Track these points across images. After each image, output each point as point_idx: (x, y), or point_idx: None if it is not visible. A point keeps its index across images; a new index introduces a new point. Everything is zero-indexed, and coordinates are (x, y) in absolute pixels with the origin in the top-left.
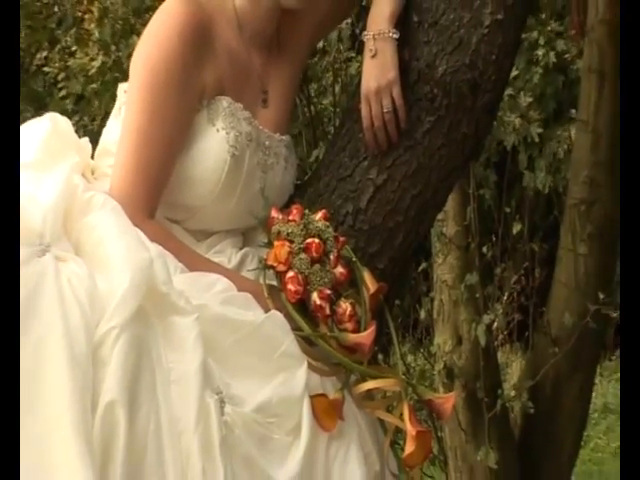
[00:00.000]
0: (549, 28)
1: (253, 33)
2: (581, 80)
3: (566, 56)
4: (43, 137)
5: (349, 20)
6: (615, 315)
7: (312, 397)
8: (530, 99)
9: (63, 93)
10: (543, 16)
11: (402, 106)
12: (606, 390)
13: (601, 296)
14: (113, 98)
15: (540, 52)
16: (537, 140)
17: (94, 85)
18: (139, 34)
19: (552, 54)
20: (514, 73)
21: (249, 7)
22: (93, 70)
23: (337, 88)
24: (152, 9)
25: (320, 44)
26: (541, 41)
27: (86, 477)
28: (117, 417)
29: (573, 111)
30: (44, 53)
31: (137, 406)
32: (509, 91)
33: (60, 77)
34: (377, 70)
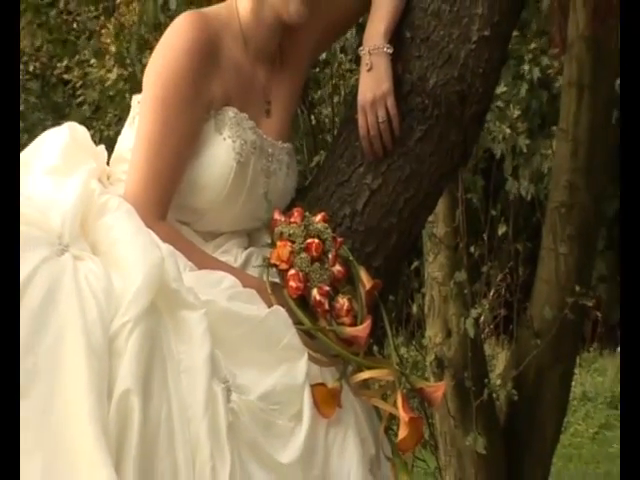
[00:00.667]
0: (534, 45)
1: (257, 48)
2: (562, 93)
3: (549, 72)
4: (62, 144)
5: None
6: (591, 304)
7: (312, 386)
8: (518, 112)
9: (81, 99)
10: (528, 36)
11: (396, 116)
12: (585, 379)
13: (577, 288)
14: (127, 107)
15: (526, 67)
16: (525, 151)
17: (110, 94)
18: (152, 48)
19: (537, 69)
20: (503, 88)
21: (254, 24)
22: (109, 82)
23: (335, 99)
24: (165, 26)
25: (323, 56)
26: (526, 58)
27: (103, 459)
28: (132, 404)
29: (554, 128)
30: (64, 62)
31: (150, 394)
32: (499, 103)
33: (78, 85)
34: (372, 82)
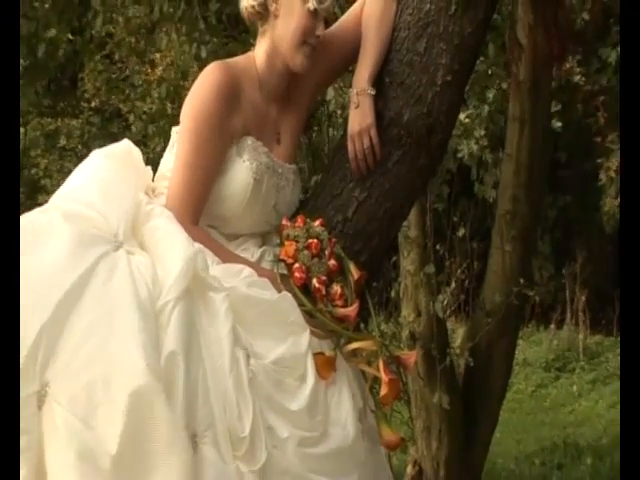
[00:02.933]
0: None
1: (270, 90)
2: (507, 125)
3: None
4: (123, 147)
5: None
6: (532, 294)
7: (313, 354)
8: (483, 131)
9: (131, 125)
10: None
11: (378, 144)
12: (525, 349)
13: (521, 281)
14: (168, 136)
15: (490, 95)
16: (490, 162)
17: (155, 123)
18: (187, 90)
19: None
20: (469, 111)
21: (268, 72)
22: (153, 111)
23: (330, 131)
24: (196, 73)
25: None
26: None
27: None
28: (178, 362)
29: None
30: (118, 97)
31: (190, 357)
32: (467, 120)
33: (127, 113)
34: (359, 117)
